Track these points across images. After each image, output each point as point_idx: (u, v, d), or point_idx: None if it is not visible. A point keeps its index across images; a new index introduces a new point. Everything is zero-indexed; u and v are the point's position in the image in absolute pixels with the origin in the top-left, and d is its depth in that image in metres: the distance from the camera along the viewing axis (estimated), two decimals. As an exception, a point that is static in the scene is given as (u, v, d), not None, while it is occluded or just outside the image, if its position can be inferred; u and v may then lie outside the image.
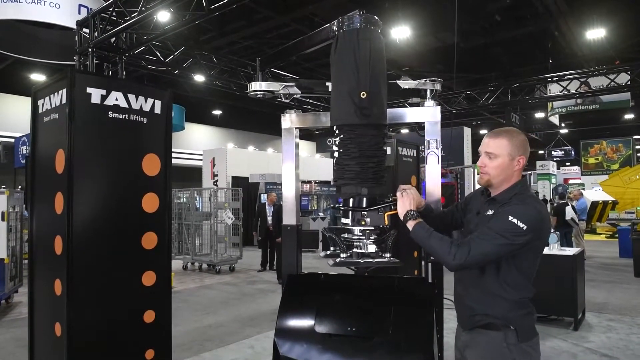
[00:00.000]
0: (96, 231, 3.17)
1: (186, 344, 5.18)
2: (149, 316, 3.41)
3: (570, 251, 5.88)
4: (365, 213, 2.05)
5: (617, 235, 12.85)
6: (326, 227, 2.18)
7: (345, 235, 2.08)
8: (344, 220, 2.10)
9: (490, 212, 1.97)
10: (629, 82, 12.04)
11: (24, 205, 7.93)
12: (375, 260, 2.01)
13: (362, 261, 2.00)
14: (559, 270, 5.49)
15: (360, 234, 2.05)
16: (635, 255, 9.23)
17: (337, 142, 2.21)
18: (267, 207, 10.53)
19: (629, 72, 11.98)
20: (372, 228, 2.05)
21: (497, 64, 14.32)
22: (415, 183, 5.83)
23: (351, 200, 2.13)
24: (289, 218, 2.81)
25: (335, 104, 2.18)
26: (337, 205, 2.18)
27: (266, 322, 6.08)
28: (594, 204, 15.99)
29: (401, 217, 2.05)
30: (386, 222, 2.06)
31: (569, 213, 10.20)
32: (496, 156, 1.98)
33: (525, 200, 1.92)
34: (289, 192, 2.82)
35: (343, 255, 2.03)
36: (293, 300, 2.42)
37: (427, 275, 2.72)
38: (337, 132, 2.24)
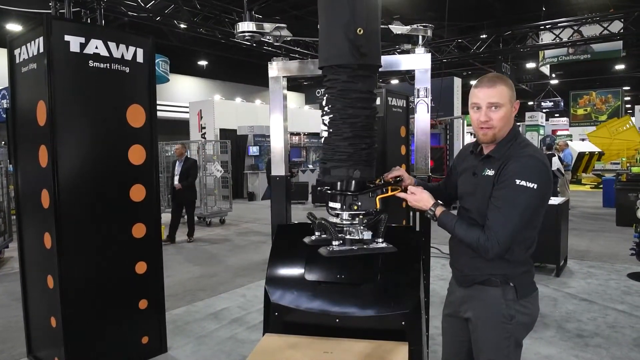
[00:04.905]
0: (83, 184, 3.14)
1: (179, 294, 5.29)
2: (141, 267, 3.45)
3: (555, 200, 5.98)
4: (357, 197, 1.92)
5: (601, 186, 13.09)
6: (311, 213, 2.03)
7: (336, 221, 1.95)
8: (331, 205, 1.95)
9: (489, 172, 1.84)
10: (622, 30, 11.88)
11: (8, 160, 7.80)
12: (370, 246, 1.92)
13: (356, 248, 1.90)
14: (544, 219, 5.58)
15: (351, 219, 1.93)
16: (617, 205, 9.45)
17: (326, 120, 2.00)
18: (177, 164, 8.63)
19: (622, 20, 11.80)
20: (364, 213, 1.94)
21: (490, 12, 13.98)
22: (404, 134, 5.81)
23: (339, 183, 1.98)
24: (278, 169, 2.80)
25: (326, 42, 1.91)
26: (324, 188, 2.02)
27: (257, 271, 6.20)
28: (581, 155, 16.18)
29: (427, 212, 1.95)
30: (377, 206, 1.95)
31: (556, 163, 10.32)
32: (501, 105, 1.80)
33: (522, 152, 1.80)
34: (277, 144, 2.79)
35: (335, 243, 1.91)
36: (283, 250, 2.45)
37: (414, 224, 2.76)
38: (323, 91, 2.01)
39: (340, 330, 2.17)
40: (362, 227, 1.94)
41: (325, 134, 2.00)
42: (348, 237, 1.93)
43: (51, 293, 3.10)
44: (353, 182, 1.94)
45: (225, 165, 11.01)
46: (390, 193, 2.01)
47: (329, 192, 1.99)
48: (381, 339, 2.12)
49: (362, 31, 1.82)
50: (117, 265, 3.32)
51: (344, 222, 1.95)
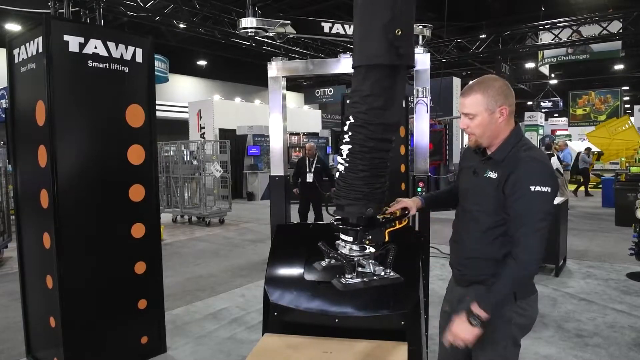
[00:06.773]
0: (82, 184, 3.14)
1: (178, 294, 5.28)
2: (140, 267, 3.44)
3: (554, 200, 5.99)
4: (368, 232, 1.90)
5: (600, 186, 13.10)
6: (323, 243, 1.99)
7: (347, 252, 1.93)
8: (342, 236, 1.93)
9: (492, 175, 1.83)
10: (621, 30, 11.90)
11: (8, 160, 7.79)
12: (380, 278, 1.91)
13: (367, 280, 1.90)
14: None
15: (361, 251, 1.91)
16: (617, 204, 9.45)
17: (344, 150, 1.87)
18: None
19: (621, 20, 11.81)
20: (375, 246, 1.94)
21: (489, 12, 14.01)
22: (403, 134, 5.81)
23: (352, 219, 1.94)
24: (277, 169, 2.80)
25: (364, 39, 1.77)
26: (336, 220, 1.99)
27: (256, 271, 6.20)
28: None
29: (473, 324, 1.81)
30: (386, 239, 1.97)
31: (554, 163, 10.33)
32: (474, 115, 1.83)
33: (527, 156, 1.79)
34: (276, 144, 2.79)
35: (348, 275, 1.90)
36: (282, 250, 2.46)
37: (414, 224, 2.77)
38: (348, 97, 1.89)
39: (340, 330, 2.18)
40: (373, 262, 1.94)
41: (341, 167, 1.89)
42: (360, 269, 1.93)
43: (50, 293, 3.10)
44: (366, 218, 1.91)
45: (224, 165, 11.00)
46: (398, 226, 2.01)
47: (342, 226, 1.95)
48: (380, 339, 2.13)
49: (400, 32, 1.71)
50: (116, 265, 3.32)
51: (356, 254, 1.93)
